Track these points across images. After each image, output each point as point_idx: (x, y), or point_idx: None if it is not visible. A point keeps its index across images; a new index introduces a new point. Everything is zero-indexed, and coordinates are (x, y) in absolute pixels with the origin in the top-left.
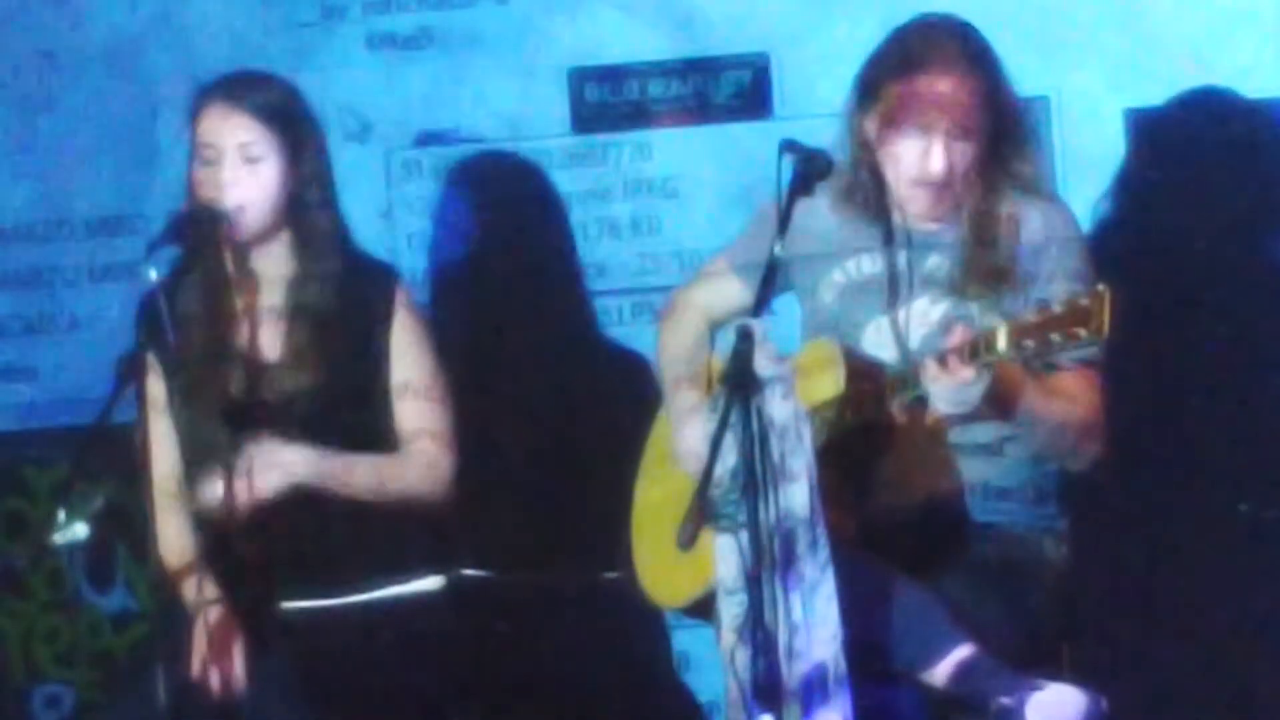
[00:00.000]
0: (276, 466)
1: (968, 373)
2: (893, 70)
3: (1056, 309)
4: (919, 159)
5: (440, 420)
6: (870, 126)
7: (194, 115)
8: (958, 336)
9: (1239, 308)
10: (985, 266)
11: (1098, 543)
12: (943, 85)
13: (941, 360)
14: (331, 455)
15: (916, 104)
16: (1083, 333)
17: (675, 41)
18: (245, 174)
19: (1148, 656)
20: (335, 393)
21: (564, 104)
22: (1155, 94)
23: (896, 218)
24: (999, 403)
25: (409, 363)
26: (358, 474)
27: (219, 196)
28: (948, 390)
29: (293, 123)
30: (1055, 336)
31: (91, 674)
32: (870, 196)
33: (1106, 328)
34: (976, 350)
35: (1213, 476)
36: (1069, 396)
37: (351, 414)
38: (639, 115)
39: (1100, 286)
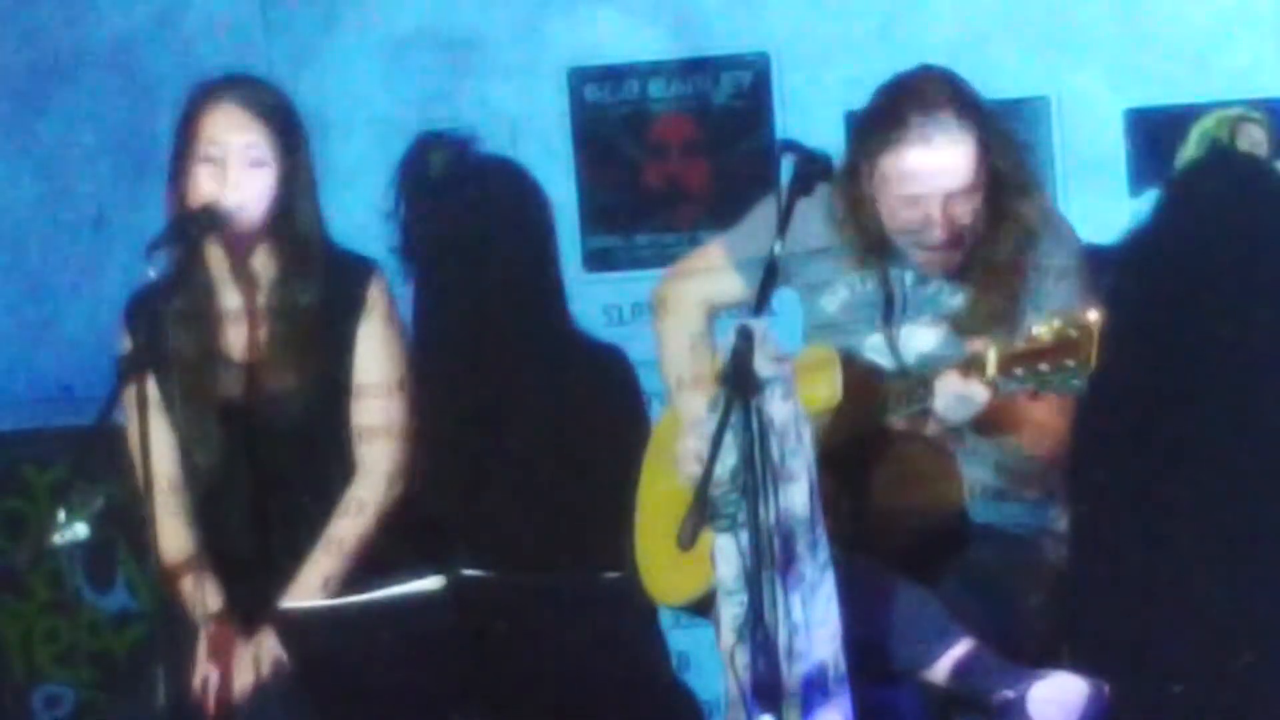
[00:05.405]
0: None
1: (978, 386)
2: (886, 137)
3: (1045, 339)
4: (920, 227)
5: (402, 418)
6: (868, 185)
7: (195, 113)
8: (977, 346)
9: (1241, 309)
10: (988, 310)
11: (1098, 542)
12: (937, 155)
13: (957, 370)
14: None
15: (912, 175)
16: (1071, 364)
17: (675, 41)
18: (248, 175)
19: (1148, 655)
20: (317, 390)
21: (564, 104)
22: (1155, 94)
23: (898, 245)
24: (987, 423)
25: (375, 360)
26: (332, 561)
27: (221, 195)
28: (951, 400)
29: (289, 127)
30: (1044, 366)
31: (91, 674)
32: (872, 235)
33: (1094, 360)
34: (968, 371)
35: (1214, 475)
36: (1039, 425)
37: (332, 411)
38: (639, 115)
39: (1089, 317)
